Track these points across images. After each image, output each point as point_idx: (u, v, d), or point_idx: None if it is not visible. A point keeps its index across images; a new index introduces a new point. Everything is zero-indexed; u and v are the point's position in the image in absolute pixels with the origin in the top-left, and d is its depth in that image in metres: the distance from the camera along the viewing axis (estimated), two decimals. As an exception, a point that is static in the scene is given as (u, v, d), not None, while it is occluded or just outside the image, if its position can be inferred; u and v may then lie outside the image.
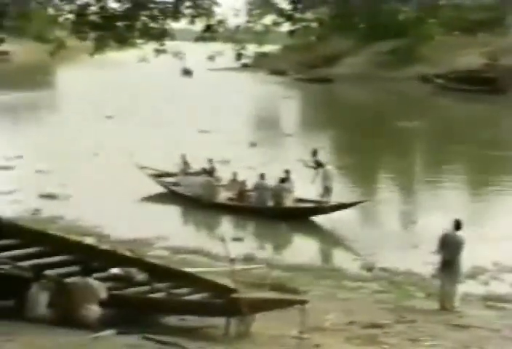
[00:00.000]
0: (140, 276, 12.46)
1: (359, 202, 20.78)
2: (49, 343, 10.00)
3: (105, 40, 11.39)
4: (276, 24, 11.49)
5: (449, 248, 13.83)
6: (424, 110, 48.67)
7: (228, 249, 11.80)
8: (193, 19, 10.86)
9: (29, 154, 27.99)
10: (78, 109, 42.48)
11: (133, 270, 12.51)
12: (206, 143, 31.13)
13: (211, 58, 11.32)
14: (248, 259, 16.63)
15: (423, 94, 59.38)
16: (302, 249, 19.04)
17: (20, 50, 63.88)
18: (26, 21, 13.38)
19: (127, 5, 10.77)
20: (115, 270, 12.47)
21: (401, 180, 28.38)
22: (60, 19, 12.37)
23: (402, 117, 42.14)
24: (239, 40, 11.11)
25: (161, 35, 11.11)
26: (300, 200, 21.52)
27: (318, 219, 20.63)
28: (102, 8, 10.91)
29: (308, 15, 11.21)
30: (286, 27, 11.24)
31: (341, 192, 23.50)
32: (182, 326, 11.65)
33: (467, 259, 14.47)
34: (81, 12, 11.02)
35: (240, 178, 22.49)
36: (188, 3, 10.67)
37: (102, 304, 11.27)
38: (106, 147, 28.88)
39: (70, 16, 11.46)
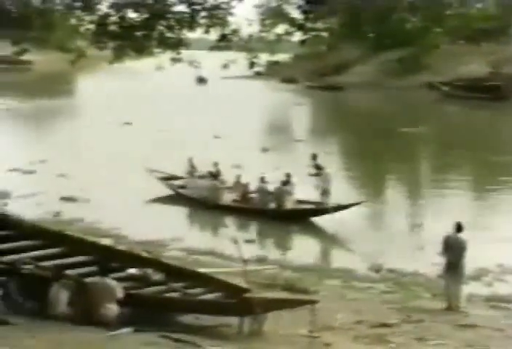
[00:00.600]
0: (156, 276, 12.47)
1: (356, 203, 20.70)
2: (69, 340, 10.01)
3: (123, 49, 11.41)
4: (287, 33, 11.51)
5: (453, 250, 13.81)
6: (430, 116, 48.59)
7: (240, 250, 11.78)
8: (208, 28, 10.87)
9: (51, 159, 28.06)
10: (98, 116, 42.58)
11: (149, 271, 12.52)
12: (220, 148, 31.14)
13: (225, 66, 11.33)
14: (260, 260, 16.61)
15: (429, 101, 59.23)
16: (311, 250, 19.02)
17: (42, 60, 64.13)
18: (49, 32, 13.42)
19: (145, 15, 10.79)
20: (132, 271, 12.48)
21: (407, 183, 28.32)
22: (81, 29, 12.42)
23: (409, 123, 42.03)
24: (252, 49, 11.11)
25: (178, 44, 11.12)
26: (300, 201, 21.62)
27: (326, 221, 20.54)
28: (122, 18, 10.93)
29: (319, 25, 11.21)
30: (297, 36, 11.24)
31: (349, 194, 23.50)
32: (197, 325, 11.65)
33: (471, 261, 14.44)
34: (102, 22, 11.04)
35: (243, 181, 22.60)
36: (203, 14, 10.68)
37: (119, 303, 11.28)
38: (124, 153, 28.90)
39: (91, 26, 11.49)
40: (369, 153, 33.91)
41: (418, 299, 14.82)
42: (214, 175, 22.78)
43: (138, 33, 11.00)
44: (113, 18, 10.98)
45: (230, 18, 10.78)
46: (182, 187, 23.44)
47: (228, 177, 23.09)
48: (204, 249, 17.85)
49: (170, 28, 10.92)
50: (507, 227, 19.82)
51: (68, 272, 11.84)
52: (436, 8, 52.90)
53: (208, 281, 12.51)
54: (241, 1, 10.59)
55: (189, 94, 43.88)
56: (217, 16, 10.68)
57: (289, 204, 21.36)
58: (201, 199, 22.22)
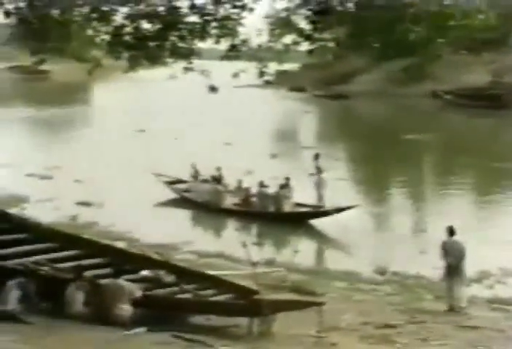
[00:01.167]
0: (168, 278, 12.50)
1: (351, 207, 20.66)
2: (84, 339, 10.06)
3: (137, 59, 11.45)
4: (295, 43, 11.50)
5: (452, 254, 13.83)
6: (433, 124, 48.46)
7: (249, 253, 11.79)
8: (219, 39, 10.90)
9: (67, 165, 28.14)
10: (112, 123, 42.69)
11: (162, 273, 12.55)
12: (231, 155, 31.18)
13: (235, 75, 11.34)
14: (268, 263, 16.59)
15: (433, 109, 59.15)
16: (317, 253, 19.04)
17: (60, 69, 64.42)
18: (66, 42, 13.48)
19: (159, 26, 10.82)
20: (145, 272, 12.52)
21: (411, 189, 28.25)
22: (97, 39, 12.47)
23: (413, 130, 41.95)
24: (261, 58, 11.12)
25: (189, 54, 11.14)
26: (299, 204, 21.77)
27: (331, 224, 20.47)
28: (136, 29, 10.96)
29: (326, 35, 11.21)
30: (305, 46, 11.24)
31: (354, 199, 23.50)
32: (208, 325, 11.66)
33: (473, 264, 14.43)
34: (117, 33, 11.08)
35: (244, 185, 22.78)
36: (214, 24, 10.70)
37: (133, 303, 11.30)
38: (137, 159, 28.94)
39: (107, 37, 11.53)
40: (375, 159, 33.88)
41: (421, 300, 14.82)
42: (217, 179, 22.98)
43: (152, 44, 11.04)
44: (128, 29, 11.01)
45: (240, 28, 10.81)
46: (187, 190, 23.64)
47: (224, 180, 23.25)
48: (214, 251, 17.86)
49: (182, 39, 10.95)
50: (508, 231, 19.77)
51: (83, 273, 11.90)
52: (438, 19, 52.76)
53: (218, 283, 12.52)
54: (251, 11, 10.61)
55: (201, 102, 43.80)
56: (227, 26, 10.71)
57: (287, 207, 21.57)
58: (204, 203, 22.40)
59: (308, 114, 58.17)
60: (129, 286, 11.44)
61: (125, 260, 12.79)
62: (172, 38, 10.98)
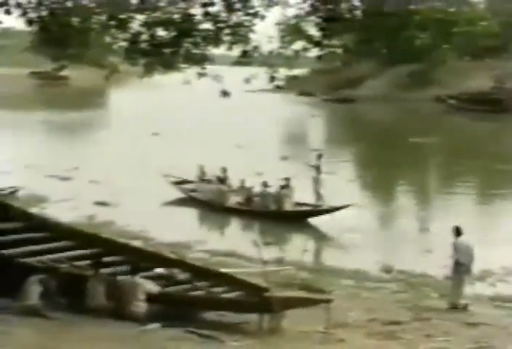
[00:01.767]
0: (182, 276, 12.50)
1: (347, 206, 20.64)
2: (102, 334, 10.07)
3: (153, 65, 11.45)
4: (305, 49, 11.50)
5: (463, 252, 13.76)
6: (438, 127, 48.36)
7: (261, 252, 11.77)
8: (231, 45, 10.88)
9: (84, 166, 28.20)
10: (128, 126, 42.74)
11: (176, 270, 12.55)
12: (242, 157, 31.18)
13: (247, 81, 11.32)
14: (277, 261, 16.56)
15: (437, 113, 59.03)
16: (325, 252, 18.97)
17: (79, 75, 64.66)
18: (85, 49, 13.49)
19: (173, 33, 10.81)
20: (159, 270, 12.52)
21: (417, 190, 28.21)
22: (115, 46, 12.49)
23: (418, 133, 41.88)
24: (272, 64, 11.09)
25: (203, 60, 11.13)
26: (298, 204, 21.93)
27: (337, 223, 20.37)
28: (152, 36, 10.96)
29: (334, 42, 11.19)
30: (314, 52, 11.21)
31: (362, 199, 23.47)
32: (220, 321, 11.66)
33: (476, 263, 14.36)
34: (133, 40, 11.08)
35: (247, 185, 22.91)
36: (227, 31, 10.68)
37: (148, 300, 11.31)
38: (151, 161, 28.96)
39: (124, 44, 11.54)
40: (381, 161, 33.85)
41: (426, 298, 14.75)
42: (222, 180, 23.14)
43: (167, 50, 11.03)
44: (144, 36, 11.02)
45: (251, 35, 10.79)
46: (193, 190, 23.83)
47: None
48: (225, 250, 17.84)
49: (196, 45, 10.94)
50: (511, 231, 19.68)
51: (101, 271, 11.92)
52: (443, 26, 52.88)
53: (230, 281, 12.52)
54: (263, 19, 10.59)
55: (213, 106, 43.86)
56: (239, 33, 10.69)
57: (287, 206, 21.72)
58: (209, 201, 22.60)
59: (317, 118, 58.14)
60: (145, 283, 11.45)
61: (141, 258, 12.80)
62: (186, 44, 10.97)
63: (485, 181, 30.42)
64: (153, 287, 11.43)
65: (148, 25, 10.84)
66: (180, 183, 24.43)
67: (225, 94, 10.89)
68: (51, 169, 27.04)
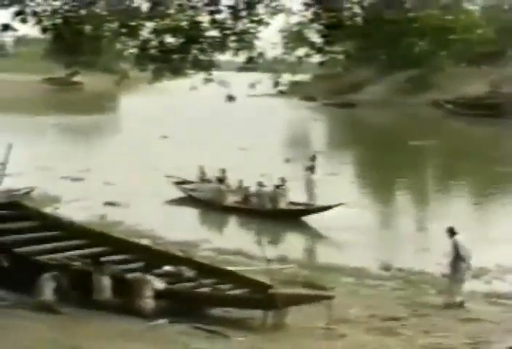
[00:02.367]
0: (189, 273, 12.49)
1: (338, 205, 20.62)
2: (113, 329, 10.07)
3: (162, 71, 11.45)
4: (307, 56, 11.48)
5: (464, 251, 13.78)
6: (435, 131, 48.27)
7: (264, 251, 11.75)
8: (237, 51, 10.89)
9: (96, 168, 28.21)
10: (137, 130, 42.74)
11: (183, 268, 12.54)
12: (247, 159, 31.16)
13: (251, 86, 11.31)
14: (280, 259, 16.53)
15: (435, 117, 58.94)
16: (326, 250, 18.89)
17: (91, 80, 64.74)
18: (97, 56, 13.51)
19: (181, 40, 10.82)
20: (167, 268, 12.51)
21: (415, 190, 28.15)
22: (125, 53, 12.51)
23: (416, 137, 41.81)
24: (276, 70, 11.11)
25: (209, 66, 11.14)
26: (292, 203, 22.04)
27: (338, 223, 20.26)
28: (161, 43, 10.97)
29: (336, 48, 11.16)
30: (316, 58, 11.20)
31: (363, 199, 23.41)
32: (226, 317, 11.64)
33: (472, 261, 14.30)
34: (143, 47, 11.09)
35: (244, 185, 23.02)
36: (233, 38, 10.69)
37: (156, 296, 11.30)
38: (160, 163, 28.94)
39: (134, 50, 11.55)
40: (381, 164, 33.81)
41: (424, 295, 14.70)
42: (221, 180, 23.26)
43: (175, 56, 11.03)
44: (153, 43, 11.03)
45: (256, 42, 10.80)
46: (193, 190, 23.95)
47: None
48: (231, 249, 17.81)
49: (203, 51, 10.94)
50: (506, 230, 19.63)
51: (112, 268, 11.92)
52: (441, 33, 52.79)
53: (235, 278, 12.49)
54: (267, 26, 10.60)
55: (219, 111, 43.85)
56: (245, 40, 10.70)
57: (282, 205, 21.83)
58: (209, 201, 22.69)
59: (319, 121, 58.11)
60: (153, 280, 11.44)
61: (150, 256, 12.80)
62: (194, 51, 10.97)
63: (481, 182, 30.35)
64: (159, 284, 11.42)
65: (157, 32, 10.85)
66: (181, 183, 24.59)
67: (230, 98, 10.89)
68: (64, 170, 27.05)
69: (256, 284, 12.07)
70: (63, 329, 9.82)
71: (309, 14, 10.21)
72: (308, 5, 10.10)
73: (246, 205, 22.20)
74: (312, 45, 10.99)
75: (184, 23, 10.71)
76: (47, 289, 10.96)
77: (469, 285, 14.69)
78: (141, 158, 30.67)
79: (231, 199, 22.67)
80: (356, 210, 21.52)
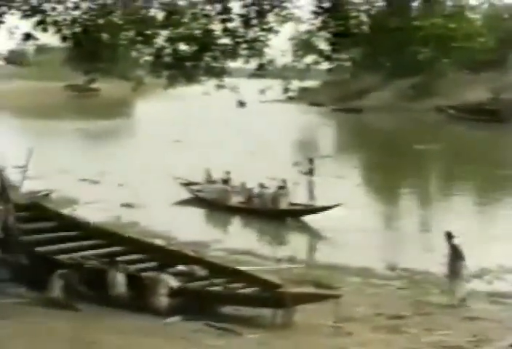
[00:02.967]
0: (202, 273, 12.45)
1: (336, 205, 20.64)
2: (128, 326, 10.04)
3: (176, 77, 11.45)
4: (316, 63, 11.49)
5: (462, 254, 13.75)
6: (438, 135, 48.07)
7: (274, 251, 11.72)
8: (248, 59, 10.87)
9: (113, 171, 28.22)
10: (152, 134, 42.76)
11: (196, 268, 12.51)
12: (257, 162, 31.11)
13: (262, 92, 11.30)
14: (289, 259, 16.46)
15: (438, 122, 58.75)
16: (333, 251, 18.79)
17: (108, 87, 64.78)
18: (114, 63, 13.52)
19: (195, 48, 10.81)
20: (181, 267, 12.48)
21: (419, 193, 28.03)
22: (141, 60, 12.53)
23: (420, 141, 41.66)
24: (286, 76, 11.07)
25: (221, 72, 11.13)
26: (293, 204, 22.09)
27: (346, 225, 20.16)
28: (175, 50, 10.97)
29: (343, 55, 11.12)
30: (324, 65, 11.16)
31: (369, 201, 23.33)
32: (237, 315, 11.59)
33: (474, 261, 14.24)
34: (158, 54, 11.10)
35: (248, 186, 23.11)
36: (244, 46, 10.67)
37: (170, 295, 11.27)
38: (174, 166, 28.91)
39: (149, 58, 11.56)
40: (387, 166, 33.69)
41: (428, 294, 14.60)
42: (225, 181, 23.47)
43: (188, 63, 11.03)
44: (168, 50, 11.02)
45: (266, 49, 10.78)
46: (199, 191, 24.10)
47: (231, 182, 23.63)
48: (242, 249, 17.75)
49: (215, 59, 10.94)
50: (507, 231, 19.49)
51: (127, 267, 11.91)
52: (444, 41, 52.62)
53: (245, 277, 12.45)
54: (277, 34, 10.58)
55: (230, 116, 43.88)
56: (255, 48, 10.68)
57: (283, 205, 21.90)
58: (214, 201, 22.81)
59: (327, 126, 58.01)
60: (167, 279, 11.41)
61: (164, 256, 12.78)
62: (207, 58, 10.97)
63: (482, 184, 30.20)
64: (174, 283, 11.40)
65: (171, 40, 10.85)
66: (188, 185, 24.73)
67: (241, 104, 10.87)
68: (82, 173, 27.09)
69: (265, 283, 12.03)
70: (80, 325, 9.80)
71: (317, 22, 10.18)
72: (316, 14, 10.06)
73: (249, 205, 22.33)
74: (320, 52, 10.98)
75: (197, 31, 10.71)
76: (56, 286, 10.98)
77: (471, 284, 14.63)
78: (155, 161, 30.66)
79: (235, 199, 22.82)
80: (363, 212, 21.44)
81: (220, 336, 10.05)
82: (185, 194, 24.20)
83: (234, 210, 22.24)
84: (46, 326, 9.55)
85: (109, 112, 61.67)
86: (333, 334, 10.89)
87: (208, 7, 10.54)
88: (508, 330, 11.89)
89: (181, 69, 11.18)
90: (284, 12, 10.34)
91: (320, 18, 10.10)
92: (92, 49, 10.97)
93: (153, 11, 10.71)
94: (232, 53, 10.81)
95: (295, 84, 11.50)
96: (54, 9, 10.49)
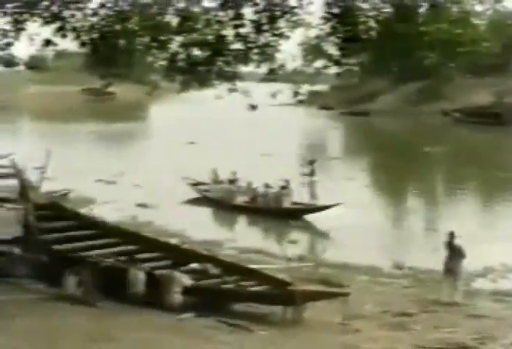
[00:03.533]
0: (214, 271, 12.43)
1: (336, 204, 20.71)
2: (142, 321, 10.04)
3: (189, 81, 11.46)
4: (325, 67, 11.49)
5: (451, 254, 13.74)
6: (444, 138, 47.91)
7: (284, 250, 11.70)
8: (259, 63, 10.87)
9: (128, 172, 28.27)
10: (167, 136, 42.80)
11: (208, 266, 12.49)
12: (268, 164, 31.08)
13: (272, 95, 11.28)
14: (299, 258, 16.43)
15: (443, 125, 58.54)
16: (342, 250, 18.74)
17: (124, 91, 64.97)
18: (130, 68, 13.56)
19: (208, 53, 10.82)
20: (194, 265, 12.47)
21: (425, 194, 27.93)
22: (155, 65, 12.55)
23: (426, 143, 41.52)
24: (296, 80, 11.07)
25: (233, 77, 11.13)
26: (295, 203, 22.26)
27: (353, 224, 20.10)
28: (188, 56, 10.98)
29: (352, 60, 11.11)
30: (333, 70, 11.15)
31: (376, 202, 23.25)
32: (248, 312, 11.57)
33: (479, 260, 14.17)
34: (172, 59, 11.11)
35: (253, 186, 23.23)
36: (255, 51, 10.67)
37: (183, 292, 11.26)
38: (187, 167, 28.92)
39: (163, 62, 11.58)
40: (394, 168, 33.60)
41: (434, 293, 14.52)
42: (232, 181, 23.63)
43: (201, 68, 11.03)
44: (182, 56, 11.03)
45: (277, 54, 10.78)
46: (207, 191, 24.24)
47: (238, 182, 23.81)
48: (254, 248, 17.73)
49: (228, 63, 10.94)
50: (510, 231, 19.38)
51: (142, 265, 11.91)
52: (449, 46, 52.54)
53: (257, 276, 12.43)
54: (287, 39, 10.57)
55: (242, 119, 43.87)
56: (266, 53, 10.67)
57: (286, 205, 22.03)
58: (220, 200, 22.96)
59: (336, 129, 57.90)
60: (181, 277, 11.40)
61: (178, 255, 12.78)
62: (219, 63, 10.97)
63: (486, 186, 30.06)
64: (186, 281, 11.39)
65: (185, 45, 10.86)
66: (196, 185, 24.84)
67: (252, 107, 10.87)
68: (98, 174, 27.14)
69: (276, 281, 12.01)
70: (97, 320, 9.81)
71: (327, 28, 10.17)
72: (326, 19, 10.05)
73: (253, 204, 22.45)
74: (329, 57, 10.99)
75: (210, 37, 10.72)
76: (70, 283, 11.01)
77: (476, 283, 14.57)
78: (169, 163, 30.69)
79: (241, 199, 22.96)
80: (371, 211, 21.37)
81: (232, 332, 10.04)
82: (196, 194, 24.22)
83: (239, 209, 22.40)
84: (65, 321, 9.56)
85: (124, 115, 61.80)
86: (341, 330, 10.86)
87: (221, 13, 10.55)
88: (511, 327, 11.82)
89: (194, 73, 11.18)
90: (294, 18, 10.34)
91: (329, 24, 10.09)
92: (108, 55, 11.01)
93: (167, 18, 10.72)
94: (244, 58, 10.81)
95: (305, 88, 11.49)
96: (73, 15, 10.54)
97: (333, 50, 10.55)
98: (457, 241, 13.88)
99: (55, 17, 10.38)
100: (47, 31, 10.56)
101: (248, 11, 10.36)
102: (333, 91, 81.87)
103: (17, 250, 12.27)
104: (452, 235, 13.97)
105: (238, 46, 10.71)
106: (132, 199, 22.80)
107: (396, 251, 17.90)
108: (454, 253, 13.81)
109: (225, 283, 12.13)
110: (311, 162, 25.21)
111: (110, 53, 11.00)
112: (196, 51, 10.94)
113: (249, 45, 10.59)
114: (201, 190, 24.36)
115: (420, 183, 30.32)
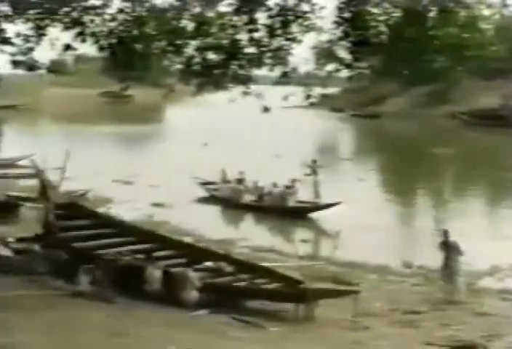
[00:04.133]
0: (228, 269, 12.42)
1: (337, 203, 20.81)
2: (158, 318, 10.04)
3: (204, 84, 11.45)
4: (337, 71, 11.40)
5: (447, 252, 13.65)
6: (453, 140, 47.71)
7: (296, 249, 11.66)
8: (272, 67, 10.85)
9: (145, 172, 28.33)
10: (182, 138, 42.87)
11: (222, 264, 12.49)
12: (280, 164, 31.03)
13: (285, 98, 11.27)
14: (311, 257, 16.37)
15: (452, 127, 58.31)
16: (353, 249, 18.65)
17: (141, 94, 65.10)
18: (146, 71, 13.57)
19: (222, 56, 10.81)
20: (208, 263, 12.47)
21: (434, 194, 27.80)
22: (171, 69, 12.56)
23: (435, 145, 41.34)
24: (308, 83, 11.02)
25: (247, 80, 11.11)
26: (300, 202, 22.40)
27: (364, 224, 19.99)
28: (204, 59, 10.98)
29: (363, 64, 11.05)
30: (345, 73, 11.11)
31: (386, 201, 23.16)
32: (261, 310, 11.55)
33: (486, 260, 14.07)
34: (188, 63, 11.11)
35: (259, 185, 23.33)
36: (268, 55, 10.65)
37: (198, 289, 11.26)
38: (202, 168, 28.90)
39: (179, 66, 11.59)
40: (403, 169, 33.49)
41: (442, 291, 14.43)
42: (240, 181, 23.77)
43: (216, 71, 11.03)
44: (197, 59, 11.03)
45: (290, 58, 10.75)
46: (215, 190, 24.36)
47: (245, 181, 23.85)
48: (266, 247, 17.69)
49: (242, 67, 10.93)
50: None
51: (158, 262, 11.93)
52: (458, 50, 52.28)
53: (269, 274, 12.42)
54: (300, 43, 10.54)
55: (255, 121, 43.82)
56: (279, 56, 10.66)
57: (291, 203, 22.11)
58: (228, 199, 23.06)
59: (346, 131, 57.78)
60: (193, 276, 11.39)
61: (192, 253, 12.78)
62: (233, 66, 10.96)
63: (495, 186, 29.88)
64: (196, 281, 11.34)
65: (200, 49, 10.85)
66: (205, 184, 24.96)
67: (265, 109, 10.86)
68: (116, 174, 27.21)
69: (288, 279, 11.99)
70: (115, 316, 9.81)
71: (338, 32, 10.14)
72: (337, 24, 10.02)
73: (259, 203, 22.52)
74: (341, 61, 10.92)
75: (225, 41, 10.71)
76: (84, 280, 11.03)
77: (483, 282, 14.48)
78: (184, 164, 30.69)
79: (248, 198, 23.07)
80: (381, 211, 21.29)
81: (245, 329, 10.02)
82: (206, 193, 24.21)
83: (246, 208, 22.47)
84: (83, 316, 9.58)
85: (141, 117, 61.99)
86: (351, 328, 10.82)
87: (235, 18, 10.53)
88: (517, 325, 11.76)
89: (209, 77, 11.18)
90: (306, 23, 10.31)
91: (341, 28, 10.06)
92: (126, 58, 11.04)
93: (183, 23, 10.73)
94: (257, 61, 10.80)
95: (317, 91, 11.42)
96: (92, 21, 10.58)
97: (344, 54, 10.51)
98: (452, 239, 13.75)
99: (75, 23, 10.44)
100: (68, 36, 10.61)
101: (261, 16, 10.35)
102: (344, 93, 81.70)
103: (37, 248, 12.33)
104: (446, 233, 13.90)
105: (252, 50, 10.70)
106: (148, 199, 22.83)
107: (406, 250, 17.82)
108: (451, 251, 13.72)
109: (239, 280, 12.11)
110: (314, 162, 25.33)
111: (128, 57, 11.03)
112: (211, 55, 10.93)
113: (263, 49, 10.58)
114: (210, 190, 24.50)
115: (429, 184, 30.17)
